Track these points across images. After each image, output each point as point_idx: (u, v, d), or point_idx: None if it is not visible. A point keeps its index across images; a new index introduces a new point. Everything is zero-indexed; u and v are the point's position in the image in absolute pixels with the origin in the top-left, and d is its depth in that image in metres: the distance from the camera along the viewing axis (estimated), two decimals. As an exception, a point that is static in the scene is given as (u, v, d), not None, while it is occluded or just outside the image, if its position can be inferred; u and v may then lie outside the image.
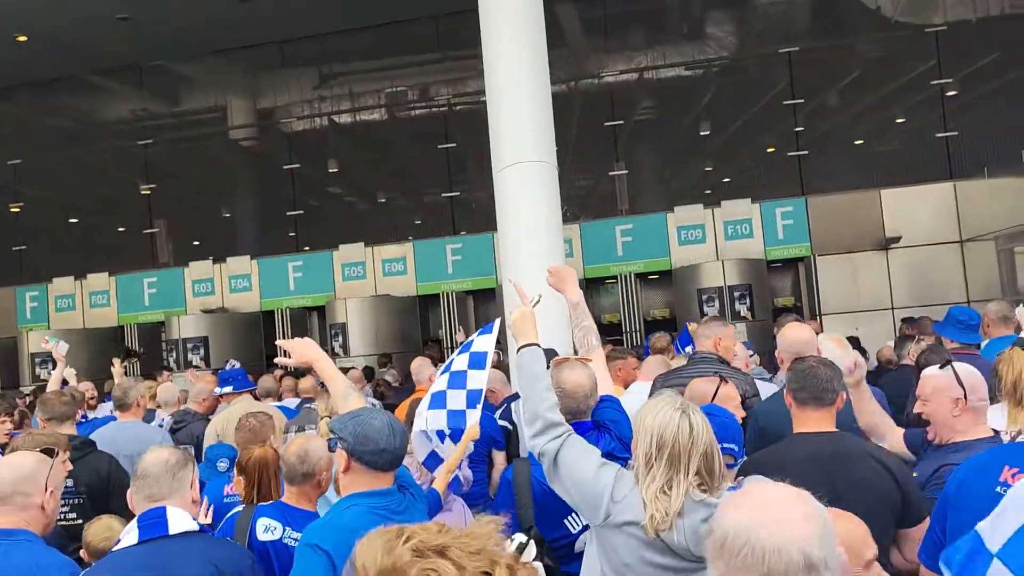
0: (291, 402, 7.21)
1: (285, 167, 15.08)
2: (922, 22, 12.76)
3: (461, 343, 9.86)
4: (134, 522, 2.48)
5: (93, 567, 2.56)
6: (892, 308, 11.66)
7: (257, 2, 12.52)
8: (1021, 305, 4.91)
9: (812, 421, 2.89)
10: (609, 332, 12.94)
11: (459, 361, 3.55)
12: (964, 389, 2.82)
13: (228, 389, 6.09)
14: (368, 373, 10.00)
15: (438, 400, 3.47)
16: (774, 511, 1.38)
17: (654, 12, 14.18)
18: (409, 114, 15.69)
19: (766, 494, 1.44)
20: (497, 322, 3.69)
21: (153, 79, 15.29)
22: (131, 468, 5.05)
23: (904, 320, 10.22)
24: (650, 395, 4.33)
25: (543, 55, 7.36)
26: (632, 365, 5.34)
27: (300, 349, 2.95)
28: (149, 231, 15.22)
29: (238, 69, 15.61)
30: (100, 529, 3.18)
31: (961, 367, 2.90)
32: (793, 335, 3.76)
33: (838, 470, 2.71)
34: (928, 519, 2.56)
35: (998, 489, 2.21)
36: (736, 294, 11.41)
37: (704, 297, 11.52)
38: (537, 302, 3.10)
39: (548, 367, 5.61)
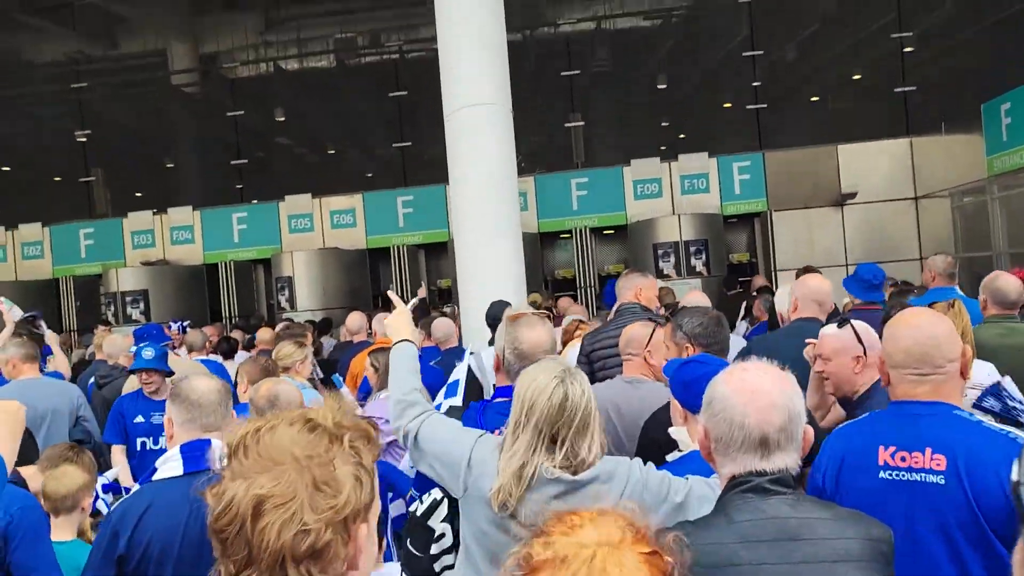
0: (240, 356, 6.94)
1: (229, 115, 14.49)
2: (882, -26, 12.58)
3: (419, 298, 9.57)
4: (176, 451, 2.44)
5: (138, 493, 2.46)
6: (846, 264, 11.61)
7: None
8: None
9: None
10: (563, 288, 12.76)
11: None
12: (863, 347, 2.87)
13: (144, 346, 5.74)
14: (324, 325, 9.68)
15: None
16: (750, 393, 1.69)
17: (613, -41, 13.80)
18: (359, 61, 15.15)
19: (751, 376, 1.74)
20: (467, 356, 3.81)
21: (88, 19, 14.48)
22: (53, 420, 4.81)
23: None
24: (579, 356, 4.24)
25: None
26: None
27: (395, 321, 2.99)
28: (85, 180, 14.54)
29: (179, 10, 14.87)
30: (59, 476, 3.08)
31: (860, 325, 2.94)
32: (816, 283, 3.87)
33: None
34: None
35: (883, 475, 2.12)
36: (692, 249, 11.26)
37: (660, 252, 11.35)
38: (416, 304, 3.27)
39: (499, 319, 5.40)
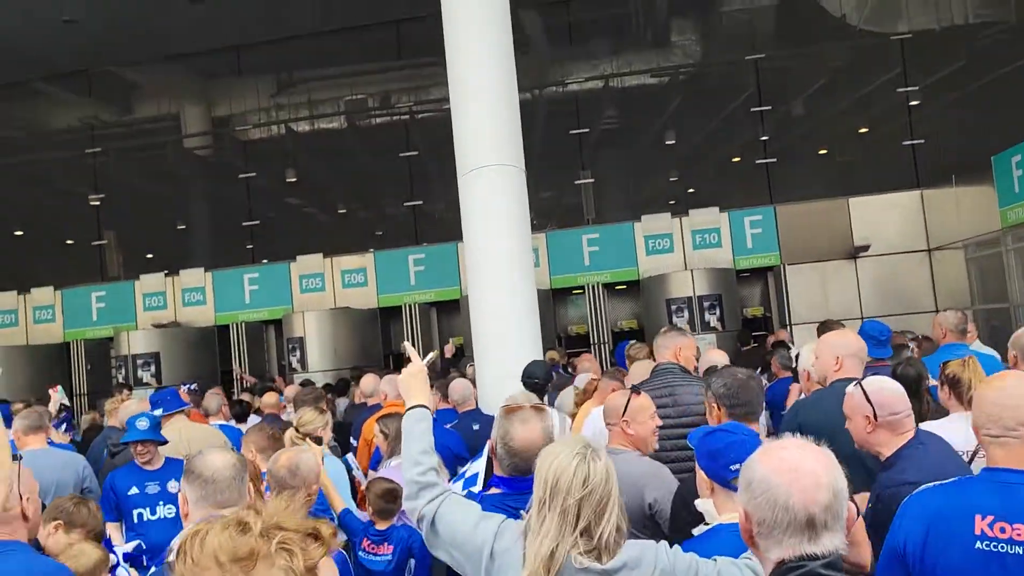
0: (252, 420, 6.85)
1: (241, 176, 14.62)
2: (887, 30, 12.72)
3: (436, 355, 9.37)
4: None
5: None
6: (861, 317, 11.50)
7: (211, 5, 12.08)
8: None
9: None
10: (576, 344, 12.66)
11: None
12: (872, 406, 2.80)
13: (159, 412, 5.65)
14: (342, 386, 9.55)
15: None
16: (792, 472, 1.61)
17: (619, 19, 14.00)
18: (370, 122, 15.31)
19: (791, 454, 1.65)
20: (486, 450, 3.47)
21: (103, 86, 14.74)
22: (58, 494, 4.73)
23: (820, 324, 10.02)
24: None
25: (509, 55, 7.06)
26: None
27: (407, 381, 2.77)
28: (98, 243, 14.63)
29: (192, 75, 15.13)
30: (77, 555, 3.01)
31: (871, 383, 2.89)
32: (856, 342, 3.74)
33: None
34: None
35: (979, 545, 2.00)
36: (705, 304, 11.18)
37: (673, 307, 11.28)
38: (433, 360, 3.04)
39: (535, 377, 5.26)
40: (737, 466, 2.26)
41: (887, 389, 2.85)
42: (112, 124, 15.35)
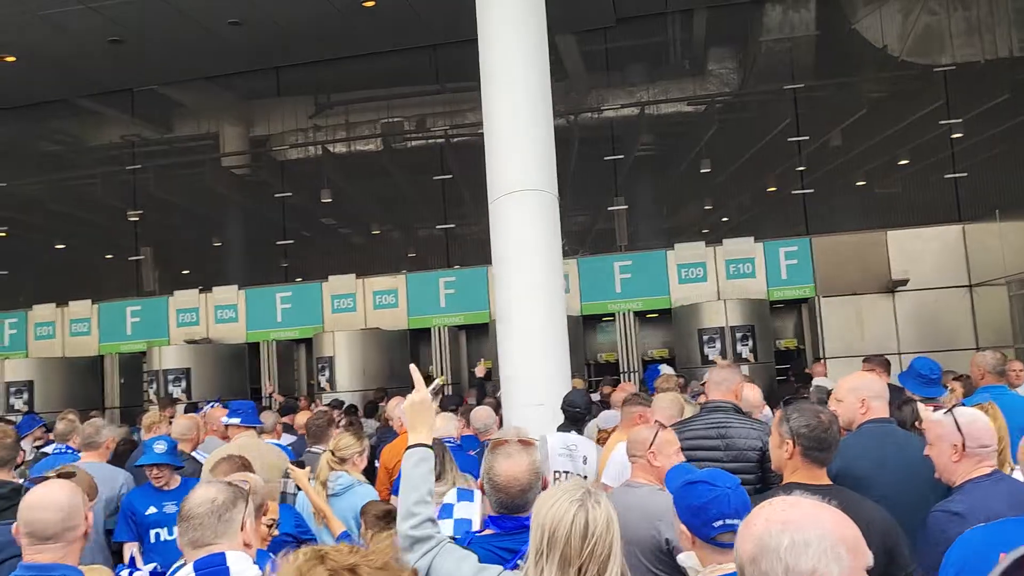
0: (285, 438, 6.85)
1: (277, 196, 14.77)
2: (930, 62, 12.55)
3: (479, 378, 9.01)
4: (190, 568, 2.27)
5: None
6: (899, 353, 11.25)
7: (252, 28, 12.28)
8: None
9: (810, 475, 2.85)
10: (606, 372, 12.55)
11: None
12: (963, 435, 2.86)
13: (235, 421, 5.69)
14: (370, 409, 9.51)
15: None
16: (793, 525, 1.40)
17: (656, 47, 13.99)
18: (405, 145, 15.41)
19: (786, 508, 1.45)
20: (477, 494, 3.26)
21: (145, 104, 15.01)
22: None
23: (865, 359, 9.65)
24: None
25: (546, 81, 7.05)
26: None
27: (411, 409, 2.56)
28: (135, 258, 14.83)
29: (232, 96, 15.37)
30: None
31: (963, 414, 2.94)
32: (879, 384, 3.68)
33: None
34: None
35: None
36: (738, 335, 11.02)
37: (705, 338, 11.13)
38: (439, 389, 2.77)
39: (576, 406, 5.17)
40: (721, 522, 2.19)
41: (979, 421, 2.92)
42: (153, 142, 15.61)
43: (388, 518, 3.61)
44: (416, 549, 2.31)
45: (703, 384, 4.61)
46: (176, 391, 12.31)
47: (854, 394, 3.56)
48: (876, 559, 2.38)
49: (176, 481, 4.58)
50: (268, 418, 6.87)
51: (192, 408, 9.85)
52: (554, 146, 7.05)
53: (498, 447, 2.59)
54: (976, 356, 5.19)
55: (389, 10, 12.06)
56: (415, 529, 2.34)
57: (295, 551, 1.36)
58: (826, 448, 2.85)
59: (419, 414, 2.49)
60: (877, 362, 6.13)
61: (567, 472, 4.60)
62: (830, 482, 2.88)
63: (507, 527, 2.47)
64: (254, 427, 5.78)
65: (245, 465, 4.01)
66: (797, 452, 2.84)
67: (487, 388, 9.32)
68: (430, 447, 2.48)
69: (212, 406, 8.74)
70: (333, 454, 4.31)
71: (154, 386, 12.56)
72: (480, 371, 9.72)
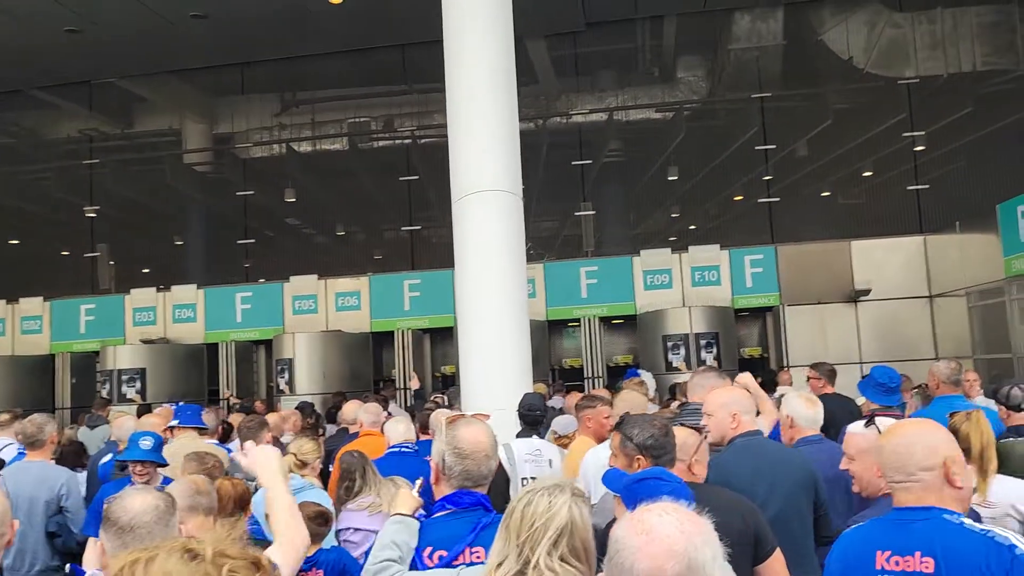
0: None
1: (239, 194, 14.50)
2: (894, 75, 12.67)
3: (414, 391, 9.09)
4: None
5: None
6: (860, 362, 11.33)
7: (217, 22, 12.02)
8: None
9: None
10: (570, 377, 12.46)
11: None
12: None
13: (175, 422, 5.66)
14: (331, 416, 9.27)
15: None
16: (644, 536, 1.45)
17: (626, 53, 13.98)
18: (371, 145, 15.23)
19: (651, 517, 1.50)
20: None
21: (104, 97, 14.64)
22: (30, 509, 4.55)
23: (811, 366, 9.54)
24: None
25: (511, 81, 6.95)
26: (603, 414, 4.64)
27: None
28: (90, 255, 14.46)
29: (195, 91, 15.05)
30: None
31: (885, 426, 2.85)
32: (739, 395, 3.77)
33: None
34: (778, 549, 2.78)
35: None
36: (703, 342, 11.00)
37: (670, 344, 11.10)
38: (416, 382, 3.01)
39: (535, 409, 5.12)
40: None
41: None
42: (112, 136, 15.25)
43: (320, 519, 3.60)
44: None
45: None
46: (130, 392, 12.00)
47: (725, 409, 3.58)
48: (744, 536, 2.73)
49: (159, 479, 4.40)
50: (210, 418, 6.72)
51: (145, 410, 9.57)
52: (519, 147, 6.95)
53: (454, 421, 2.68)
54: (932, 366, 5.23)
55: (358, 8, 11.88)
56: (374, 564, 2.37)
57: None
58: (670, 449, 2.93)
59: (402, 500, 2.59)
60: (823, 371, 6.14)
61: (534, 478, 4.53)
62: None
63: (464, 502, 2.44)
64: (196, 428, 5.69)
65: (216, 465, 4.03)
66: (649, 464, 2.88)
67: (450, 394, 9.18)
68: (414, 519, 2.51)
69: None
70: (296, 457, 4.36)
71: (107, 386, 12.22)
72: (414, 383, 9.65)
